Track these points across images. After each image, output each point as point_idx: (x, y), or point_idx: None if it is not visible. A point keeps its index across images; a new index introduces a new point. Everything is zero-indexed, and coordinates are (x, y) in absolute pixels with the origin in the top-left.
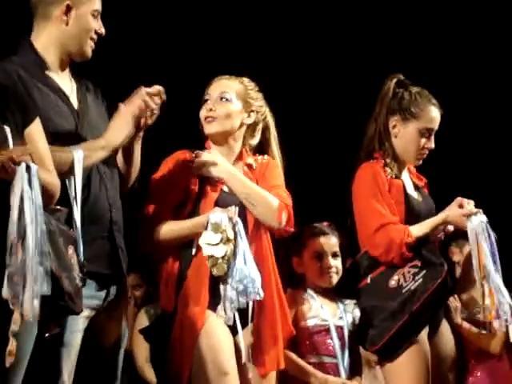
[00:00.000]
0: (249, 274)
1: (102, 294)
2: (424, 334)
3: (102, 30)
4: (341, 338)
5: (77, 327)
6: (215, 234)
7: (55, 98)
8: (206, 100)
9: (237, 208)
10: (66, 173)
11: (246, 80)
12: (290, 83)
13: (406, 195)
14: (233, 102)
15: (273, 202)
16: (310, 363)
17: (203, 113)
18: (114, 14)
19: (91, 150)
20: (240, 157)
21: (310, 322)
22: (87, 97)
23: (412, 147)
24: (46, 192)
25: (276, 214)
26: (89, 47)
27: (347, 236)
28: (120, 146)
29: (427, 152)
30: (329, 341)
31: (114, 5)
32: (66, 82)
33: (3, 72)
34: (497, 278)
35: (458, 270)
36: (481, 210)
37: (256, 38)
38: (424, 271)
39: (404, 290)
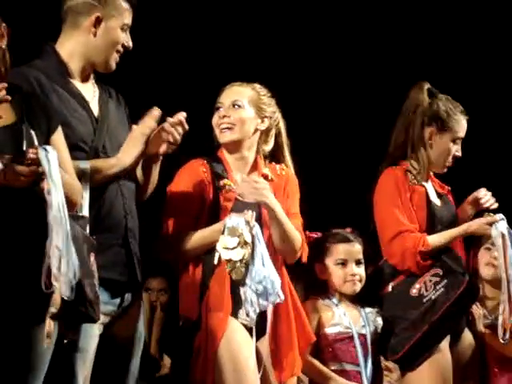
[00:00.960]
0: (268, 276)
1: (117, 300)
2: (445, 343)
3: (130, 44)
4: (364, 345)
5: (92, 333)
6: (232, 237)
7: (75, 103)
8: (218, 108)
9: (254, 212)
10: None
11: (257, 86)
12: (308, 87)
13: (429, 202)
14: (246, 108)
15: (297, 240)
16: (332, 370)
17: (216, 121)
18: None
19: (103, 166)
20: (255, 166)
21: (333, 330)
22: (109, 103)
23: (445, 156)
24: (68, 197)
25: (297, 253)
26: (113, 60)
27: (370, 242)
28: (131, 165)
29: (453, 160)
30: (351, 348)
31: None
32: (87, 89)
33: (22, 77)
34: None
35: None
36: (502, 215)
37: (269, 45)
38: (445, 280)
39: (425, 300)
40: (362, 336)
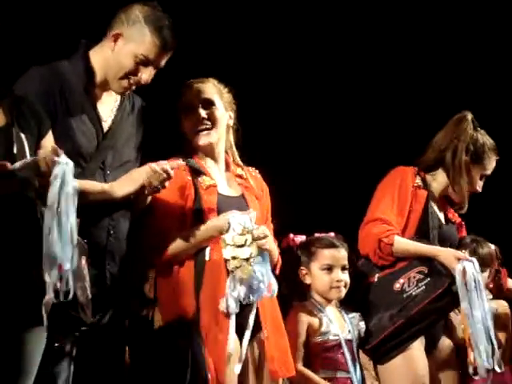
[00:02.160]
0: (266, 273)
1: None
2: (420, 344)
3: (140, 78)
4: (351, 351)
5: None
6: (239, 236)
7: (85, 117)
8: (188, 111)
9: (255, 213)
10: None
11: (215, 80)
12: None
13: (427, 206)
14: (217, 105)
15: (276, 254)
16: (323, 378)
17: (192, 125)
18: None
19: (89, 190)
20: (227, 165)
21: (323, 338)
22: (127, 119)
23: (470, 189)
24: None
25: (275, 264)
26: (118, 84)
27: (354, 248)
28: (121, 198)
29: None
30: (340, 355)
31: None
32: (107, 100)
33: (38, 76)
34: (479, 329)
35: None
36: (474, 259)
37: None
38: (428, 279)
39: (406, 295)
40: (349, 342)
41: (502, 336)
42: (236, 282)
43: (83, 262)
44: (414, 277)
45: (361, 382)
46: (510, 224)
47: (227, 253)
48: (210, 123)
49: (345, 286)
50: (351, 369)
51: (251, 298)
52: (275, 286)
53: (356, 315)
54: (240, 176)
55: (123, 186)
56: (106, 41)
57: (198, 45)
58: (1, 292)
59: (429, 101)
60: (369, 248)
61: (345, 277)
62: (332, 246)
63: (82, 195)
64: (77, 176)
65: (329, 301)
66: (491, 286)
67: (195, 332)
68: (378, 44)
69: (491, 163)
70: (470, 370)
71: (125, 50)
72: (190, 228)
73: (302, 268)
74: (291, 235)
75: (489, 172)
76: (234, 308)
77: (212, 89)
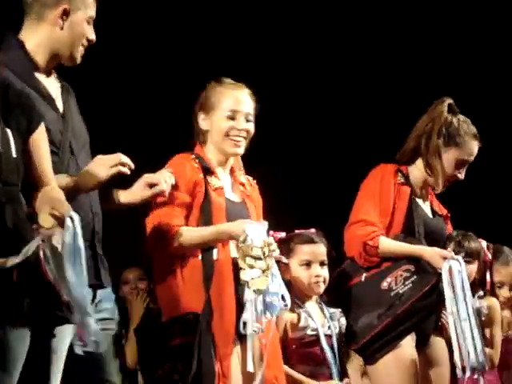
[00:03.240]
0: (280, 286)
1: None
2: (410, 341)
3: (93, 37)
4: (331, 346)
5: (65, 333)
6: (257, 247)
7: (44, 103)
8: (235, 115)
9: (266, 223)
10: None
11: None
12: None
13: (411, 203)
14: (253, 120)
15: None
16: (302, 374)
17: (231, 130)
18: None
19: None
20: (232, 171)
21: (301, 333)
22: (70, 101)
23: (446, 174)
24: None
25: None
26: (79, 53)
27: (334, 244)
28: (89, 190)
29: (453, 182)
30: (319, 350)
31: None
32: (52, 85)
33: None
34: (465, 328)
35: (498, 291)
36: (460, 258)
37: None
38: (415, 277)
39: (393, 294)
40: (329, 337)
41: (491, 334)
42: (252, 294)
43: None
44: (401, 275)
45: (341, 375)
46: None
47: (243, 263)
48: (245, 136)
49: (324, 282)
50: (332, 364)
51: (268, 314)
52: (288, 300)
53: (337, 311)
54: (242, 183)
55: (88, 180)
56: (40, 23)
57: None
58: None
59: (416, 99)
60: (354, 251)
61: (324, 272)
62: (311, 241)
63: None
64: (55, 165)
65: (309, 296)
66: (476, 277)
67: (206, 328)
68: (371, 47)
69: (469, 149)
70: (458, 371)
71: (76, 20)
72: (200, 225)
73: (280, 264)
74: (271, 232)
75: (466, 158)
76: (253, 326)
77: (253, 102)
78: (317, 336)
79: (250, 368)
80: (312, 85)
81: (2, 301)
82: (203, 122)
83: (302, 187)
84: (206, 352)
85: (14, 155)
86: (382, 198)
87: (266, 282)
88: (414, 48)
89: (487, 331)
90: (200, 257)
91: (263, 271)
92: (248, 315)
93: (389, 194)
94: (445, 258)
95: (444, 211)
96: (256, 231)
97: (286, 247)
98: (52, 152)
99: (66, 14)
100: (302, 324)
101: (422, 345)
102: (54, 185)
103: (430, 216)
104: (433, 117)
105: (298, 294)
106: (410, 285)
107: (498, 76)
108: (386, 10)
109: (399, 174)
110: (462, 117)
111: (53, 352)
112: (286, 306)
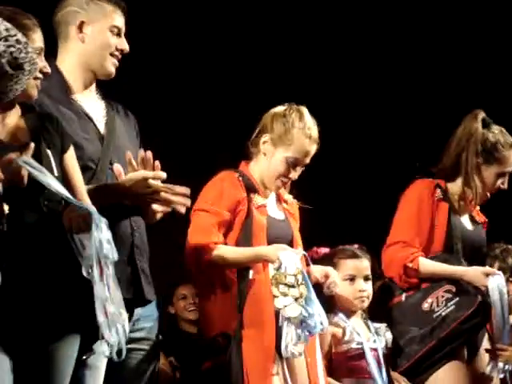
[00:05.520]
0: (317, 312)
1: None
2: (461, 355)
3: (125, 47)
4: (377, 360)
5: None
6: (290, 275)
7: (80, 122)
8: (295, 162)
9: (301, 251)
10: None
11: None
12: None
13: (450, 219)
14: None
15: None
16: None
17: (288, 172)
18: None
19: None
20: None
21: (346, 347)
22: (116, 119)
23: (487, 189)
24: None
25: None
26: (110, 64)
27: (377, 259)
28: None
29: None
30: (365, 364)
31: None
32: (92, 104)
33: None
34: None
35: None
36: (501, 273)
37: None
38: (457, 298)
39: (435, 315)
40: (374, 350)
41: None
42: (285, 321)
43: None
44: (443, 296)
45: None
46: None
47: (276, 291)
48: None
49: (367, 297)
50: (377, 377)
51: (304, 337)
52: (325, 321)
53: (382, 326)
54: (286, 201)
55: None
56: (68, 42)
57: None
58: (28, 305)
59: (447, 111)
60: (393, 272)
61: (368, 287)
62: (354, 256)
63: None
64: (90, 180)
65: (353, 311)
66: None
67: (237, 350)
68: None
69: (509, 161)
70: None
71: (96, 31)
72: (239, 243)
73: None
74: (315, 248)
75: (508, 169)
76: (291, 349)
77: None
78: (362, 350)
79: None
80: (344, 97)
81: (49, 315)
82: (265, 145)
83: (341, 202)
84: (235, 374)
85: (56, 174)
86: (421, 217)
87: (299, 309)
88: (438, 62)
89: None
90: (235, 275)
91: (296, 299)
92: (285, 339)
93: (427, 212)
94: (487, 275)
95: (482, 218)
96: (290, 258)
97: (329, 262)
98: (89, 168)
99: (84, 26)
100: (347, 338)
101: (472, 356)
102: (85, 198)
103: (470, 227)
104: (468, 135)
105: (342, 308)
106: (453, 307)
107: None
108: (417, 25)
109: (438, 190)
110: (496, 128)
111: (89, 368)
112: (322, 328)
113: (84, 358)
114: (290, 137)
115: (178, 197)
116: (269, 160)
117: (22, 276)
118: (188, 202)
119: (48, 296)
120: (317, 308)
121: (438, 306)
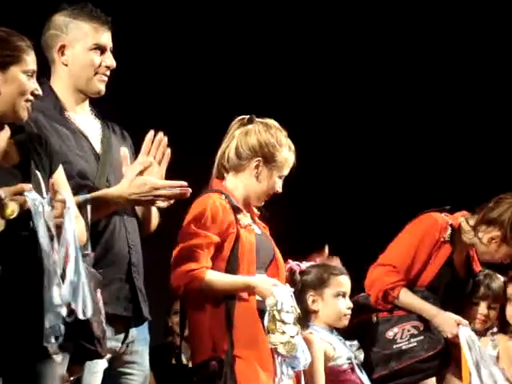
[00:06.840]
0: (303, 345)
1: (121, 336)
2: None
3: (109, 64)
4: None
5: (96, 369)
6: (288, 313)
7: (76, 140)
8: (281, 178)
9: (290, 288)
10: None
11: None
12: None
13: (446, 263)
14: None
15: None
16: None
17: (276, 189)
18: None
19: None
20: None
21: (339, 362)
22: (112, 138)
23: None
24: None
25: None
26: (98, 82)
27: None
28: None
29: None
30: (355, 377)
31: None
32: (88, 123)
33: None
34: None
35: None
36: (467, 323)
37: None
38: (421, 337)
39: (395, 346)
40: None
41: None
42: (279, 358)
43: (98, 294)
44: (409, 330)
45: None
46: None
47: (273, 326)
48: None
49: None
50: None
51: (291, 371)
52: (309, 357)
53: (355, 343)
54: (258, 215)
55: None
56: (54, 65)
57: None
58: (14, 324)
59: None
60: (373, 292)
61: (351, 304)
62: (343, 273)
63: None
64: None
65: (330, 328)
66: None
67: (229, 371)
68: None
69: None
70: None
71: (77, 52)
72: (228, 265)
73: (311, 294)
74: (289, 261)
75: None
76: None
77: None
78: (352, 364)
79: None
80: (342, 116)
81: (33, 334)
82: (258, 169)
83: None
84: None
85: (45, 195)
86: (420, 250)
87: (295, 347)
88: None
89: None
90: (223, 297)
91: (292, 336)
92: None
93: (428, 247)
94: (458, 325)
95: (478, 268)
96: (284, 295)
97: (317, 277)
98: (84, 186)
99: (65, 49)
100: (337, 353)
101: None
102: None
103: (462, 278)
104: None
105: (323, 324)
106: (415, 344)
107: None
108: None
109: (448, 231)
110: None
111: None
112: (305, 364)
113: (72, 378)
114: (282, 158)
115: (175, 189)
116: (261, 181)
117: (10, 294)
118: (188, 189)
119: (35, 314)
120: (303, 344)
121: (401, 338)
